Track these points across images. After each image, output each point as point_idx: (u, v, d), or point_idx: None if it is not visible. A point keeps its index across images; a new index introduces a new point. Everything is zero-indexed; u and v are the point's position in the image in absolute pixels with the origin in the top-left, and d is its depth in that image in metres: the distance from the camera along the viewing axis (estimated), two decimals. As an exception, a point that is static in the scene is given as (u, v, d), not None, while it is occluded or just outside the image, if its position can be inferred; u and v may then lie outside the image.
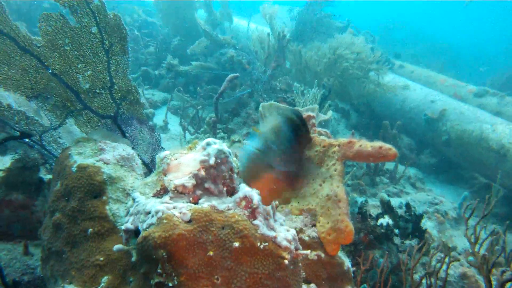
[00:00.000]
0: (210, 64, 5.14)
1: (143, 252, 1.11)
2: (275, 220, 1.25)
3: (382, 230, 2.53)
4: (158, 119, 4.84)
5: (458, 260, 2.84)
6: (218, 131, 3.83)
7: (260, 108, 2.90)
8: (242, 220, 1.15)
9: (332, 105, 5.32)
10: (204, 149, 1.26)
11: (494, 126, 4.63)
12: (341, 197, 1.50)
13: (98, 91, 1.99)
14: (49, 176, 2.64)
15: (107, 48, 1.94)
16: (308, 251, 1.22)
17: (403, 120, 5.30)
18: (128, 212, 1.26)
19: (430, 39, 13.11)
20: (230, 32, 7.30)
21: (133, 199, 1.26)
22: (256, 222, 1.16)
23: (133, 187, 1.47)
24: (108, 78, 1.98)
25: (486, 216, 2.54)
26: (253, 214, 1.18)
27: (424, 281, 2.70)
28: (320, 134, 2.07)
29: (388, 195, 3.91)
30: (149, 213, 1.16)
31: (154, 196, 1.26)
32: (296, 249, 1.21)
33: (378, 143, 1.52)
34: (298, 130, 1.66)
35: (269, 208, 1.22)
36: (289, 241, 1.18)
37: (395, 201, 4.20)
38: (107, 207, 1.39)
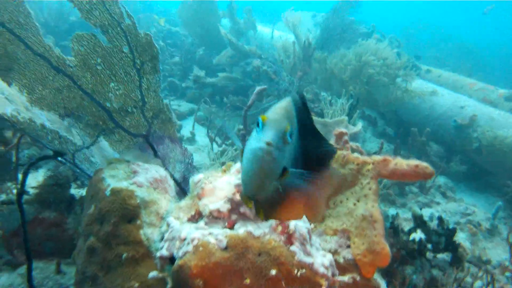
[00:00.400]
0: (236, 75, 5.15)
1: (179, 280, 1.11)
2: (311, 245, 1.23)
3: (415, 246, 2.48)
4: (185, 131, 4.86)
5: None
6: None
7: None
8: (279, 247, 1.13)
9: (359, 113, 5.26)
10: (239, 172, 1.25)
11: (527, 131, 4.51)
12: (376, 218, 1.47)
13: (130, 110, 2.01)
14: (80, 191, 2.67)
15: (138, 67, 1.96)
16: (346, 277, 1.20)
17: (431, 127, 5.19)
18: (163, 238, 1.26)
19: (456, 41, 12.87)
20: (254, 40, 7.30)
21: (168, 224, 1.26)
22: (293, 248, 1.15)
23: (167, 211, 1.47)
24: (140, 97, 2.00)
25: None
26: (289, 239, 1.17)
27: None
28: (352, 149, 2.04)
29: (420, 208, 3.85)
30: (184, 239, 1.15)
31: (189, 220, 1.26)
32: (333, 275, 1.19)
33: (414, 162, 1.48)
34: (301, 116, 1.17)
35: (305, 232, 1.20)
36: (326, 267, 1.16)
37: (425, 212, 4.12)
38: (141, 231, 1.40)
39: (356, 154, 1.68)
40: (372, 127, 5.76)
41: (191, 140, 4.66)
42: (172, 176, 1.88)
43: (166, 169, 1.90)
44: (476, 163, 5.10)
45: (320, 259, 1.17)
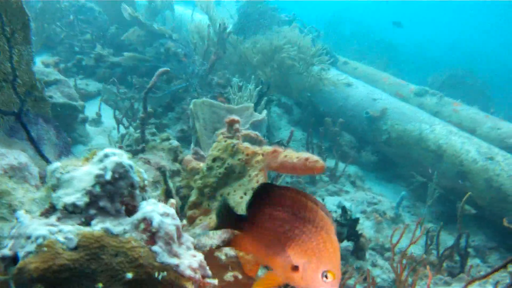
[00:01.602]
0: (144, 56, 4.91)
1: (18, 285, 0.94)
2: (180, 244, 1.10)
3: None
4: (91, 112, 4.54)
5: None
6: (151, 126, 3.63)
7: (191, 106, 2.74)
8: (138, 247, 0.99)
9: (275, 100, 5.22)
10: (101, 161, 1.10)
11: (432, 126, 4.69)
12: (262, 212, 1.37)
13: (-1, 84, 1.77)
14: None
15: (8, 35, 1.72)
16: (216, 280, 1.09)
17: (345, 118, 5.27)
18: (9, 234, 1.08)
19: (376, 37, 13.26)
20: (172, 21, 7.03)
21: (17, 219, 1.08)
22: (155, 248, 1.01)
23: (22, 202, 1.28)
24: (10, 69, 1.76)
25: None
26: (152, 238, 1.03)
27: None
28: (252, 138, 1.94)
29: (322, 199, 3.86)
30: (29, 237, 0.98)
31: (41, 215, 1.08)
32: (204, 276, 1.07)
33: (304, 154, 1.39)
34: None
35: (172, 230, 1.07)
36: (194, 269, 1.04)
37: (334, 200, 4.17)
38: (-14, 227, 1.20)
39: (246, 144, 1.57)
40: (287, 115, 5.75)
41: (97, 121, 4.38)
42: (47, 159, 1.68)
43: (41, 152, 1.69)
44: (385, 154, 5.25)
45: (188, 260, 1.05)
